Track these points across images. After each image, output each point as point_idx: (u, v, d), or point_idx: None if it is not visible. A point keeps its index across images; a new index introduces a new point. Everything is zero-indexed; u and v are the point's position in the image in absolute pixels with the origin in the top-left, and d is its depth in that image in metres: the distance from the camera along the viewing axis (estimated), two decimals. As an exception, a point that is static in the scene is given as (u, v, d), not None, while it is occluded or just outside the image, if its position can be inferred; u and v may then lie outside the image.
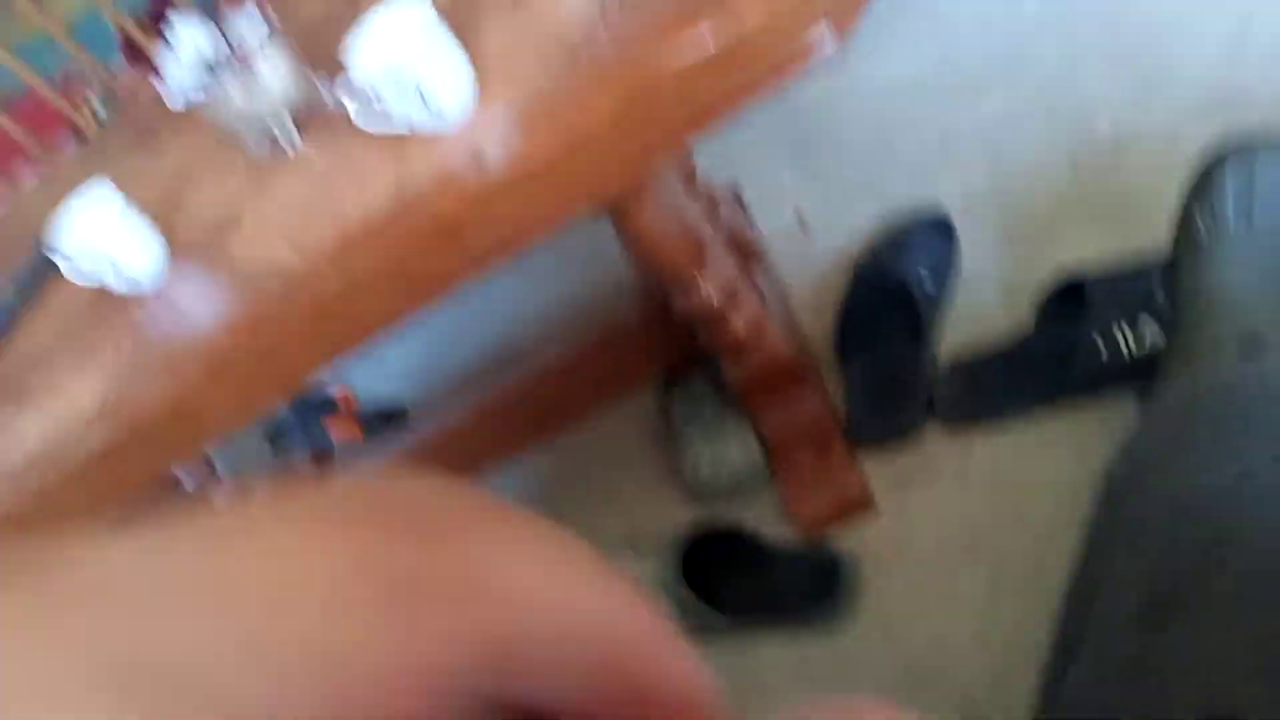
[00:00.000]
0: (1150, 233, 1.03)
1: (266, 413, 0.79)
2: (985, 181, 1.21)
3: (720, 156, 1.47)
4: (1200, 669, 0.37)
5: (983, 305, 1.12)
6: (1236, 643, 0.37)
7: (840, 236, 1.29)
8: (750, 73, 0.68)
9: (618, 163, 0.70)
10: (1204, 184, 0.81)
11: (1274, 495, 0.40)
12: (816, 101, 1.43)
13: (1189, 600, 0.39)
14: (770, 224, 1.36)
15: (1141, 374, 0.91)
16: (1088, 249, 1.08)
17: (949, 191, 1.23)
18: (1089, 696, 0.41)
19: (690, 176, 1.25)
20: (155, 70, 1.10)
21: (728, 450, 1.14)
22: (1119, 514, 0.45)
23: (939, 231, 1.17)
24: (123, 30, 1.50)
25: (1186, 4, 1.21)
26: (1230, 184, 0.78)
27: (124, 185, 0.93)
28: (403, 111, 0.75)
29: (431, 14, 0.76)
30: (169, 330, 0.82)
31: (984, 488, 1.01)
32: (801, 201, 1.35)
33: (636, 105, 0.68)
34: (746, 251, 1.27)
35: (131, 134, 1.21)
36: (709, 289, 1.00)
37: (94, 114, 1.69)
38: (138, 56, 1.63)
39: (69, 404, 0.80)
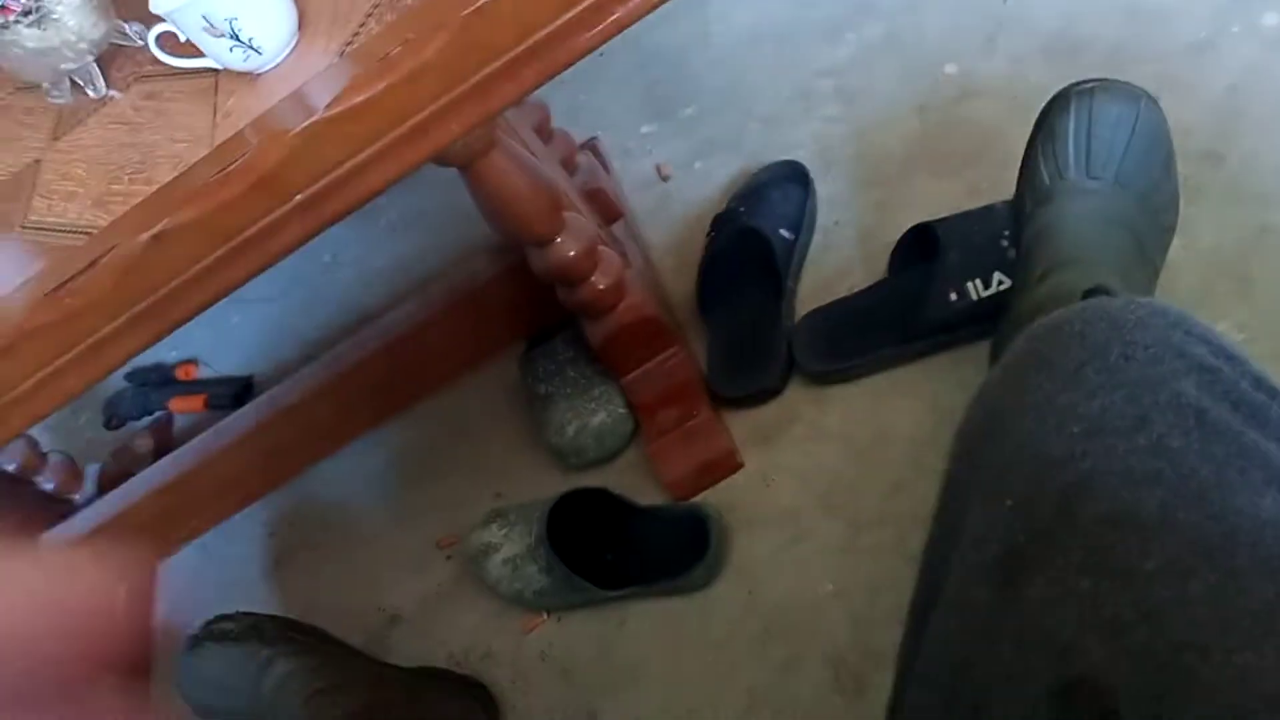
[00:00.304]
0: (1002, 176, 1.05)
1: (73, 394, 0.71)
2: (840, 130, 1.20)
3: (577, 110, 1.43)
4: (1053, 629, 0.36)
5: (841, 255, 1.12)
6: (1088, 601, 0.36)
7: (700, 189, 1.27)
8: (591, 5, 0.64)
9: (451, 100, 0.65)
10: (1045, 130, 0.81)
11: (1125, 439, 0.39)
12: (673, 52, 1.40)
13: (1042, 555, 0.38)
14: (630, 178, 1.33)
15: (992, 318, 0.92)
16: (941, 195, 1.09)
17: (805, 141, 1.22)
18: (946, 656, 0.40)
19: (545, 129, 1.20)
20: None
21: (592, 413, 1.11)
22: (974, 463, 0.44)
23: (796, 182, 1.16)
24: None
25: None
26: (1070, 129, 0.79)
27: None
28: (215, 49, 0.68)
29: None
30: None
31: (841, 439, 1.02)
32: (661, 155, 1.32)
33: (469, 36, 0.63)
34: (606, 207, 1.23)
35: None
36: (567, 247, 0.97)
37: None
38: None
39: None
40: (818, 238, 1.14)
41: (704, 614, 1.00)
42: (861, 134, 1.18)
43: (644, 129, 1.35)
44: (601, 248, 1.04)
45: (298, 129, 0.64)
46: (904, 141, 1.15)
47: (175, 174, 0.68)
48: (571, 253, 0.97)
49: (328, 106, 0.63)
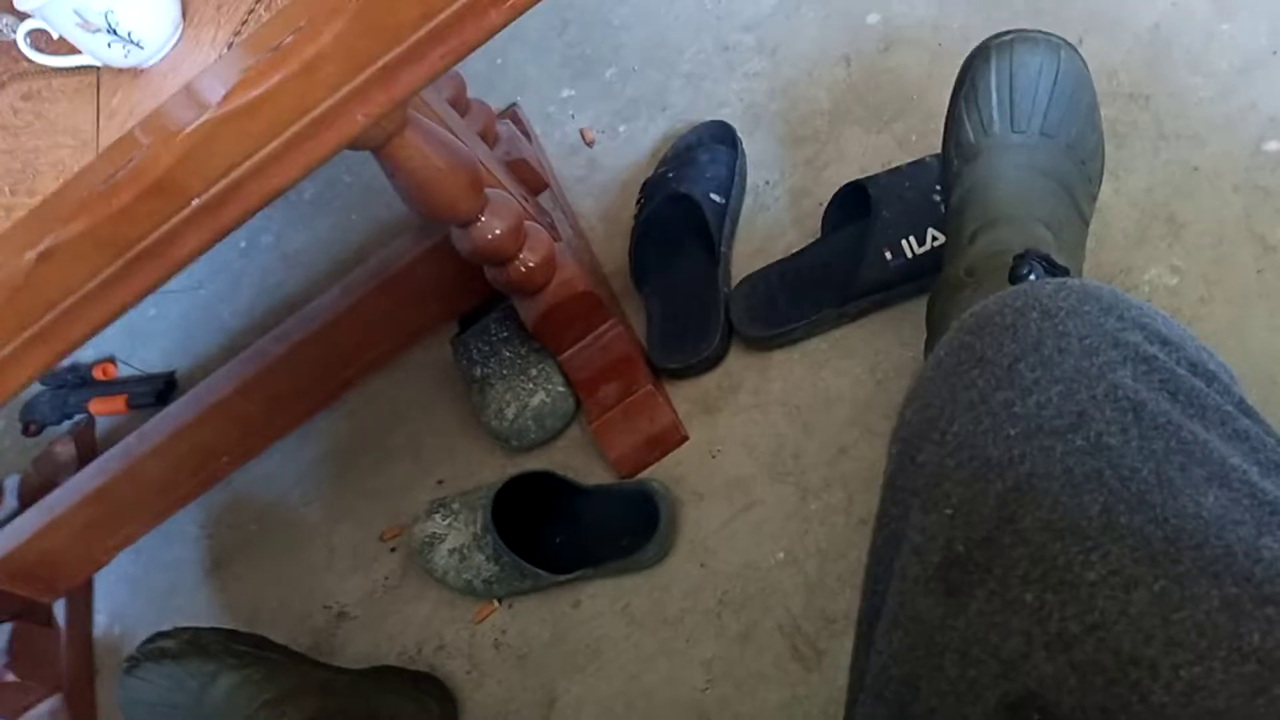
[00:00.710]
0: (931, 127, 1.03)
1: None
2: (765, 86, 1.17)
3: (494, 76, 1.38)
4: (998, 643, 0.35)
5: (774, 215, 1.10)
6: (1032, 613, 0.35)
7: (627, 153, 1.23)
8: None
9: (353, 89, 0.61)
10: (967, 86, 0.80)
11: (1063, 440, 0.38)
12: (590, 10, 1.35)
13: (984, 565, 0.37)
14: (554, 145, 1.29)
15: (929, 274, 0.91)
16: (871, 148, 1.08)
17: (730, 99, 1.19)
18: (892, 670, 0.38)
19: (461, 100, 1.15)
20: None
21: (531, 394, 1.08)
22: (912, 466, 0.42)
23: (724, 142, 1.13)
24: None
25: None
26: (992, 84, 0.77)
27: None
28: (92, 45, 0.63)
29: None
30: None
31: (784, 405, 1.00)
32: (584, 119, 1.28)
33: (367, 19, 0.59)
34: (531, 178, 1.19)
35: None
36: (492, 226, 0.93)
37: None
38: None
39: None
40: (749, 199, 1.12)
41: (658, 590, 0.99)
42: (787, 89, 1.16)
43: (565, 92, 1.31)
44: (528, 223, 1.00)
45: (189, 128, 0.60)
46: (831, 94, 1.13)
47: (60, 183, 0.63)
48: (496, 231, 0.94)
49: (220, 103, 0.59)
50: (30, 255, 0.61)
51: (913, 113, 1.07)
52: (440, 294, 1.18)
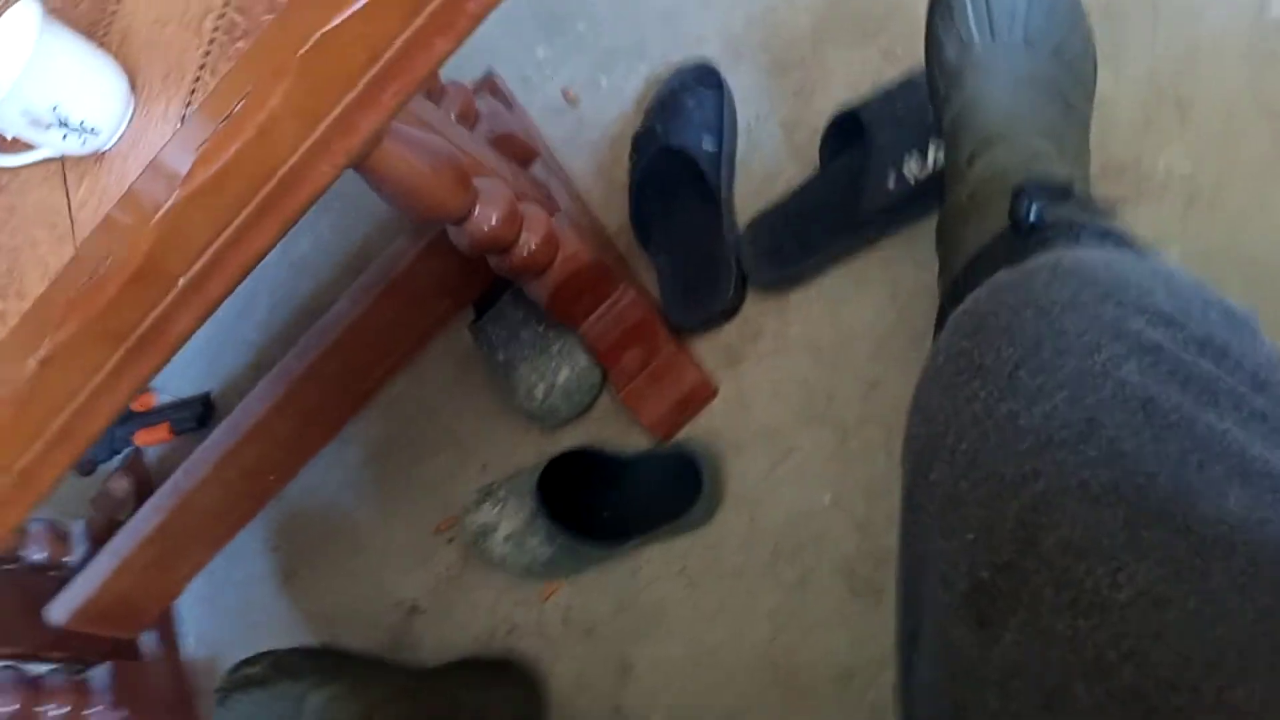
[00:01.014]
0: (915, 34, 0.99)
1: (11, 525, 0.68)
2: (741, 16, 1.13)
3: (465, 50, 1.33)
4: (1036, 675, 0.34)
5: (770, 153, 1.07)
6: (1066, 642, 0.34)
7: (612, 106, 1.20)
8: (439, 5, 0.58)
9: (313, 144, 0.60)
10: (941, 2, 0.76)
11: (1076, 451, 0.36)
12: (551, -38, 1.30)
13: (1011, 591, 0.36)
14: (537, 110, 1.26)
15: (934, 191, 0.88)
16: (857, 67, 1.04)
17: (709, 34, 1.15)
18: (938, 703, 0.38)
19: (434, 88, 1.12)
20: None
21: (556, 371, 1.08)
22: (927, 482, 0.41)
23: (708, 84, 1.10)
24: None
25: None
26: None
27: None
28: (47, 140, 0.62)
29: (40, 14, 0.61)
30: None
31: (808, 346, 0.99)
32: (563, 78, 1.24)
33: (312, 75, 0.57)
34: (519, 149, 1.17)
35: None
36: (486, 217, 0.91)
37: None
38: None
39: None
40: (742, 140, 1.09)
41: (712, 548, 1.00)
42: (765, 15, 1.11)
43: (539, 53, 1.27)
44: (523, 205, 0.99)
45: (161, 213, 0.59)
46: (810, 15, 1.08)
47: (46, 284, 0.63)
48: (492, 222, 0.92)
49: (183, 184, 0.58)
50: (31, 362, 0.61)
51: (895, 21, 1.03)
52: (447, 288, 1.17)
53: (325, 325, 1.15)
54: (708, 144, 1.05)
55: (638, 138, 1.11)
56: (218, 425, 1.25)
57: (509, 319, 1.12)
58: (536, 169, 1.16)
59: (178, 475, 1.24)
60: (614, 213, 1.16)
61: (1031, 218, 0.60)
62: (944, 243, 0.79)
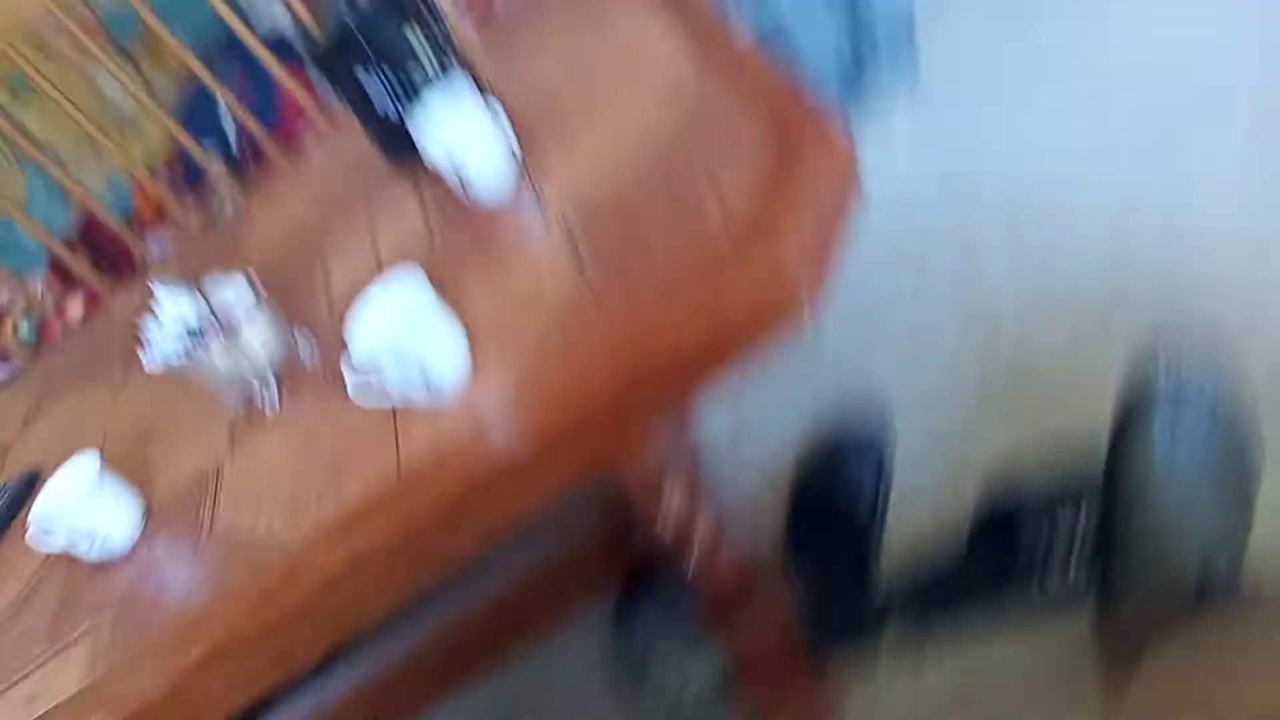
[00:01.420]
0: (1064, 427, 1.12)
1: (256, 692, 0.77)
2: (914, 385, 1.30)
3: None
4: None
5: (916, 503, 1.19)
6: None
7: (770, 444, 1.35)
8: (737, 346, 0.74)
9: (618, 435, 0.75)
10: (1134, 422, 0.89)
11: None
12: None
13: None
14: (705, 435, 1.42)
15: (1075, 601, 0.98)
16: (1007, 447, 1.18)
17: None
18: None
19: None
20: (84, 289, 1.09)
21: (695, 668, 1.15)
22: None
23: (870, 446, 1.25)
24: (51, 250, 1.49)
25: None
26: (1158, 424, 0.87)
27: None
28: (403, 388, 0.78)
29: (428, 289, 0.80)
30: (152, 607, 0.80)
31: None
32: (743, 412, 1.41)
33: (634, 382, 0.73)
34: (693, 471, 1.31)
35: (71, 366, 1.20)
36: (670, 519, 1.04)
37: (14, 331, 1.65)
38: (66, 277, 1.62)
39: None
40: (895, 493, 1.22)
41: None
42: (928, 385, 1.28)
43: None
44: (698, 517, 1.11)
45: (479, 464, 0.73)
46: (968, 396, 1.25)
47: (363, 499, 0.76)
48: (672, 524, 1.04)
49: (507, 446, 0.72)
50: (334, 551, 0.74)
51: (1048, 416, 1.18)
52: (605, 566, 1.27)
53: (489, 579, 1.26)
54: (866, 500, 1.18)
55: (799, 486, 1.25)
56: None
57: (653, 612, 1.21)
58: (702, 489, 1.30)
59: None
60: (759, 538, 1.27)
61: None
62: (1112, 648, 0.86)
